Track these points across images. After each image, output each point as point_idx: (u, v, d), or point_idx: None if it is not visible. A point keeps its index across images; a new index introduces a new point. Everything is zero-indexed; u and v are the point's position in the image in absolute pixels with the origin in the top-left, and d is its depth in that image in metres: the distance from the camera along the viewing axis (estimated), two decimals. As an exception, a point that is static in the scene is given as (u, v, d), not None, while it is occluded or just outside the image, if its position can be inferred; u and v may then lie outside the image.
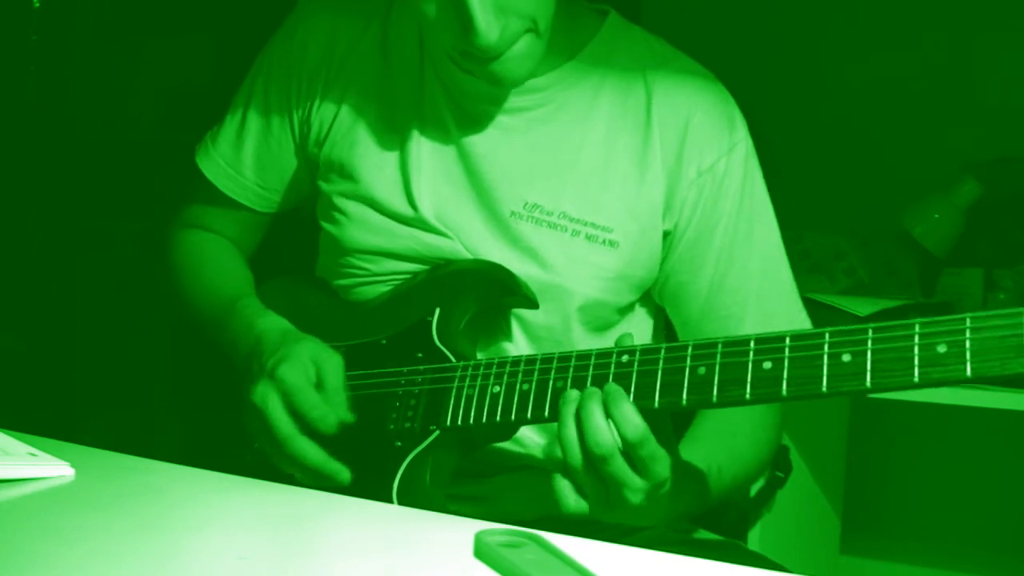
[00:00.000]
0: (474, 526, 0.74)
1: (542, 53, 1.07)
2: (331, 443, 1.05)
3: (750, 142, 1.16)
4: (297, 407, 1.04)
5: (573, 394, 0.95)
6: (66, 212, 2.77)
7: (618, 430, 0.91)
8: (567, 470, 0.94)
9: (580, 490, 0.95)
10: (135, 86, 2.76)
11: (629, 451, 0.92)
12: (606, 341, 1.17)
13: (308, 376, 1.05)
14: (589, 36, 1.17)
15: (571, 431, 0.93)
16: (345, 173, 1.18)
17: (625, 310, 1.19)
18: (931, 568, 2.21)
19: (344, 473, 1.04)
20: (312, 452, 1.04)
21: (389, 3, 1.21)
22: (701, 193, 1.14)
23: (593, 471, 0.93)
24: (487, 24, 0.99)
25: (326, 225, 1.21)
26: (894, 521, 2.24)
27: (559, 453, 0.95)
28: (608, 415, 0.92)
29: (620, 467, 0.92)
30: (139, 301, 2.39)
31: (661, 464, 0.93)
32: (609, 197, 1.13)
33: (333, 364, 1.07)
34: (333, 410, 1.05)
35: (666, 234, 1.15)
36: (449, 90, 1.17)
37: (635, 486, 0.93)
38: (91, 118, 2.77)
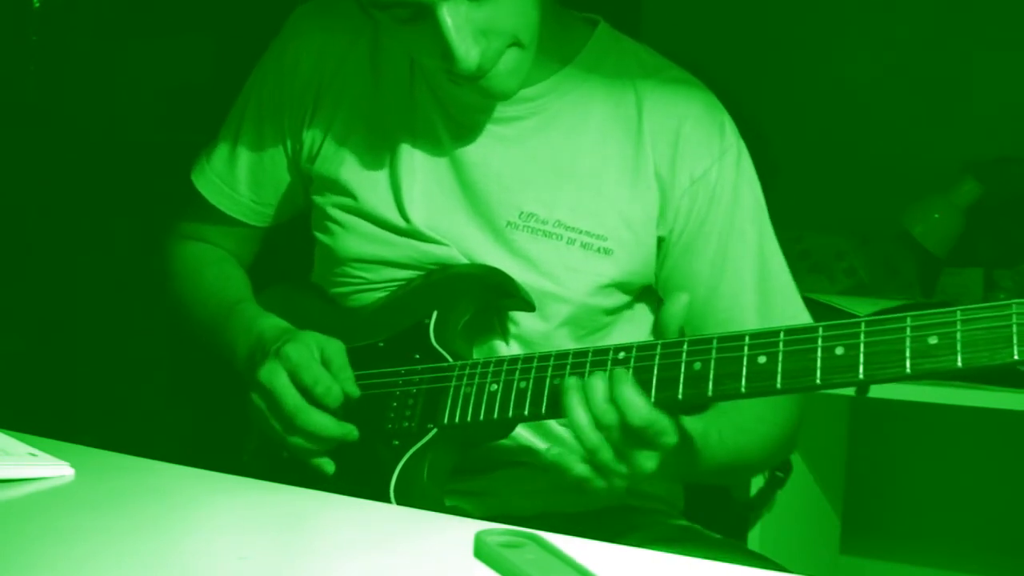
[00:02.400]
0: (474, 526, 0.74)
1: (529, 66, 1.07)
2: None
3: (742, 147, 1.17)
4: (303, 381, 1.05)
5: (574, 381, 0.96)
6: (66, 212, 2.77)
7: (625, 417, 0.92)
8: (587, 454, 0.95)
9: (596, 469, 0.96)
10: (135, 86, 2.76)
11: (638, 434, 0.93)
12: (595, 342, 1.17)
13: (313, 355, 1.07)
14: (579, 46, 1.18)
15: (581, 415, 0.94)
16: (338, 188, 1.19)
17: (615, 312, 1.19)
18: (931, 568, 2.21)
19: (354, 432, 1.07)
20: (323, 420, 1.05)
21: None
22: (694, 201, 1.14)
23: (607, 449, 0.94)
24: (466, 50, 0.99)
25: (320, 236, 1.22)
26: (894, 521, 2.24)
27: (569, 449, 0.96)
28: (612, 399, 0.93)
29: (629, 436, 0.94)
30: (139, 301, 2.39)
31: (669, 435, 0.94)
32: (603, 205, 1.14)
33: (336, 345, 1.09)
34: (338, 383, 1.06)
35: (660, 240, 1.16)
36: (441, 100, 1.17)
37: (647, 454, 0.95)
38: (91, 118, 2.77)
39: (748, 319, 1.15)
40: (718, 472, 1.10)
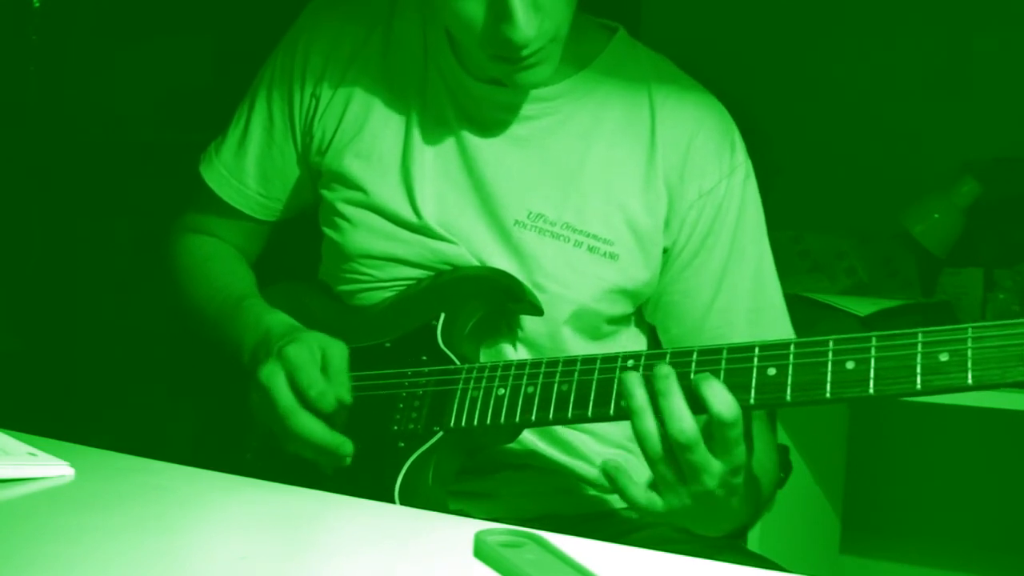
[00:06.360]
0: (474, 526, 0.74)
1: (558, 61, 1.08)
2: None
3: (749, 165, 1.18)
4: (298, 384, 1.05)
5: (635, 377, 0.92)
6: (66, 212, 2.77)
7: (710, 409, 0.89)
8: (648, 463, 0.92)
9: (653, 482, 0.93)
10: (135, 86, 2.76)
11: (718, 432, 0.90)
12: (600, 349, 1.17)
13: (314, 357, 1.06)
14: (597, 51, 1.18)
15: (649, 422, 0.91)
16: (348, 182, 1.19)
17: (617, 321, 1.19)
18: (931, 568, 2.21)
19: (348, 445, 1.05)
20: (313, 426, 1.04)
21: (391, 10, 1.22)
22: (701, 215, 1.15)
23: (671, 460, 0.91)
24: (527, 17, 1.00)
25: (329, 232, 1.21)
26: (894, 521, 2.24)
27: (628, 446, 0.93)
28: (700, 395, 0.89)
29: (703, 453, 0.90)
30: (139, 301, 2.39)
31: (741, 448, 0.91)
32: (611, 210, 1.14)
33: (338, 349, 1.08)
34: (333, 389, 1.05)
35: (664, 251, 1.16)
36: (455, 95, 1.17)
37: (714, 470, 0.91)
38: (91, 118, 2.78)
39: (738, 335, 1.15)
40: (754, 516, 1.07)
